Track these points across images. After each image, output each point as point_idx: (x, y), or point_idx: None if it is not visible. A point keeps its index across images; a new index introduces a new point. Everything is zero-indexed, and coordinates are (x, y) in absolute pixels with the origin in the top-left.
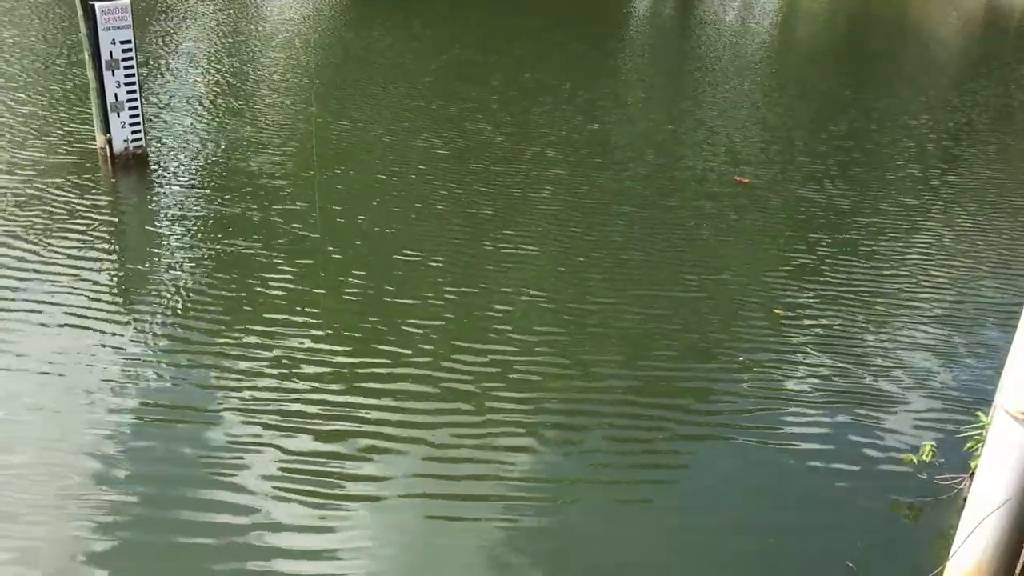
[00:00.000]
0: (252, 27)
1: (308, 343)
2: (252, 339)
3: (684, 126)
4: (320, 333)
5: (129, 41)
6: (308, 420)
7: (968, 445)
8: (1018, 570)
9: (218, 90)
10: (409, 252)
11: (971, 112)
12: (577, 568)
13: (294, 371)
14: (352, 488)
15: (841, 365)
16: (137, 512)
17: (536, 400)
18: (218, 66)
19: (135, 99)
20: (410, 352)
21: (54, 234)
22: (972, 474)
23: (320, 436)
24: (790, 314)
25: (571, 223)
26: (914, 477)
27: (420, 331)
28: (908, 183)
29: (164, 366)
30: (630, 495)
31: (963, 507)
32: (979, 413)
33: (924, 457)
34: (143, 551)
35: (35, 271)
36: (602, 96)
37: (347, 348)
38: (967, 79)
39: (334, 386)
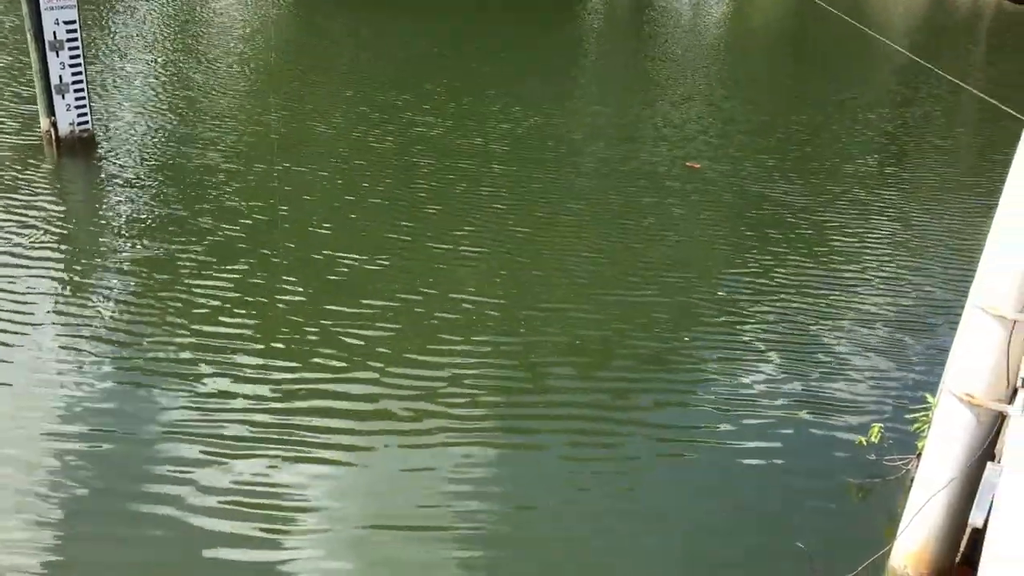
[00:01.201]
0: (205, 8)
1: (249, 347)
2: (189, 341)
3: (635, 117)
4: (260, 338)
5: (74, 21)
6: (248, 429)
7: (915, 426)
8: (962, 547)
9: (167, 73)
10: (351, 254)
11: (924, 105)
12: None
13: (232, 377)
14: (293, 504)
15: (791, 353)
16: (65, 528)
17: (487, 409)
18: (167, 48)
19: (80, 81)
20: (354, 363)
21: None
22: (919, 455)
23: (258, 448)
24: (744, 296)
25: (518, 220)
26: (863, 459)
27: (363, 341)
28: (862, 176)
29: (93, 366)
30: (585, 496)
31: (910, 487)
32: (926, 395)
33: (873, 439)
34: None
35: None
36: (549, 91)
37: (287, 359)
38: (917, 72)
39: (272, 396)
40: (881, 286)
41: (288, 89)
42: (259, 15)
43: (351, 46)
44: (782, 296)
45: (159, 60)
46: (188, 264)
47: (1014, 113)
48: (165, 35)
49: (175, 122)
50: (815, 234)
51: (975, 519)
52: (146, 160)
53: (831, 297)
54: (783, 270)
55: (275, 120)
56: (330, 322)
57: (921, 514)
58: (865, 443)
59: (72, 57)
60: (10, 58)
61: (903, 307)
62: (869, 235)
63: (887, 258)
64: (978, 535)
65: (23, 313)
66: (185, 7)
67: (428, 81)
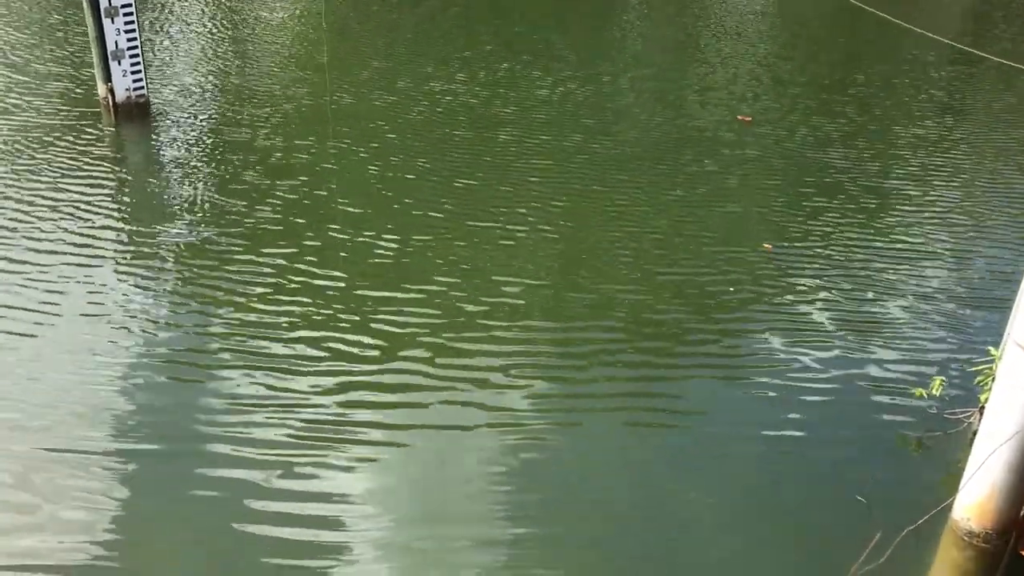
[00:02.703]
0: None
1: (305, 311)
2: (233, 316)
3: (690, 80)
4: (316, 307)
5: None
6: (288, 415)
7: (978, 379)
8: None
9: (221, 38)
10: (391, 235)
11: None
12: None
13: (290, 339)
14: (335, 492)
15: (850, 303)
16: (143, 460)
17: (532, 394)
18: (221, 14)
19: (136, 47)
20: (395, 350)
21: (57, 185)
22: (982, 408)
23: (304, 437)
24: (793, 249)
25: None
26: (924, 412)
27: (402, 328)
28: (921, 136)
29: (163, 318)
30: (646, 439)
31: (972, 441)
32: (990, 348)
33: (934, 392)
34: (153, 502)
35: (40, 219)
36: (588, 54)
37: (343, 327)
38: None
39: (316, 386)
40: (942, 243)
41: (341, 65)
42: None
43: (406, 23)
44: (842, 255)
45: (212, 29)
46: (236, 237)
47: None
48: (219, 4)
49: (227, 90)
50: (872, 194)
51: None
52: (199, 127)
53: (891, 255)
54: (841, 229)
55: (326, 98)
56: (369, 308)
57: (984, 467)
58: (927, 396)
59: (127, 23)
60: (66, 27)
61: (964, 251)
62: (928, 194)
63: (948, 215)
64: None
65: (86, 276)
66: None
67: (465, 49)
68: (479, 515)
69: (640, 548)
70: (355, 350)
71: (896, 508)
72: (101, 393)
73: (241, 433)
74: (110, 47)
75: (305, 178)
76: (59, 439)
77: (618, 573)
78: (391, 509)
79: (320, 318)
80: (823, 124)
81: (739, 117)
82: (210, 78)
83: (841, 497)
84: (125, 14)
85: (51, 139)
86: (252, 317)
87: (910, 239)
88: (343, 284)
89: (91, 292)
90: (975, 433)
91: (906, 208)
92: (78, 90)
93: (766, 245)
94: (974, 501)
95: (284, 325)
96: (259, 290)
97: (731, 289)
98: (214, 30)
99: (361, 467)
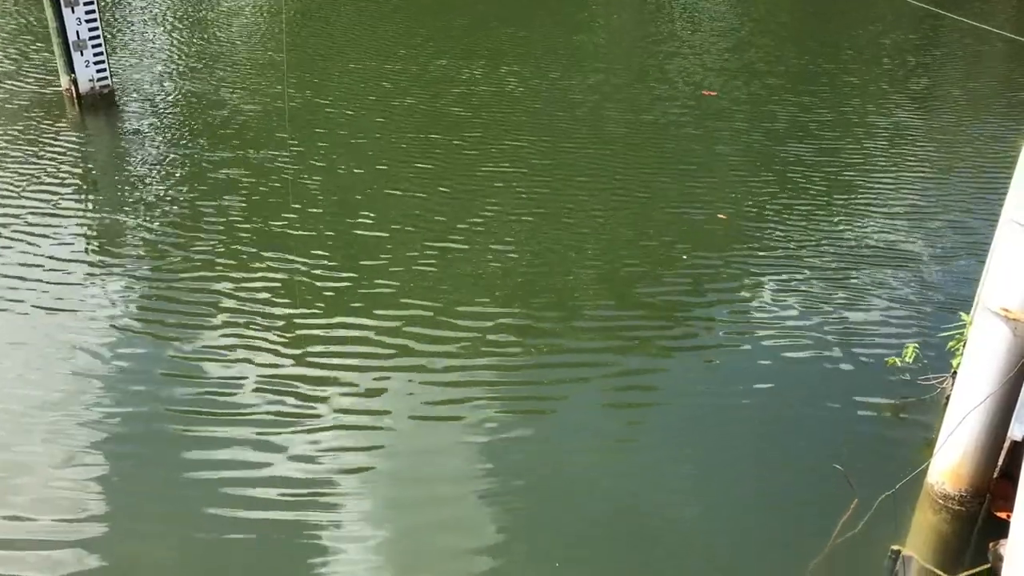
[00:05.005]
0: None
1: (270, 309)
2: (222, 287)
3: (654, 53)
4: (279, 300)
5: None
6: (276, 396)
7: (950, 345)
8: (1000, 461)
9: (183, 27)
10: (371, 213)
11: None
12: (580, 480)
13: (254, 348)
14: (322, 476)
15: (824, 280)
16: (125, 450)
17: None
18: (182, 2)
19: (98, 37)
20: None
21: (22, 177)
22: (955, 373)
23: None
24: (768, 222)
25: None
26: (898, 379)
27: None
28: (884, 86)
29: (129, 316)
30: (619, 418)
31: (946, 406)
32: (961, 313)
33: (908, 359)
34: (143, 481)
35: (4, 214)
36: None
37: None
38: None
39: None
40: (911, 210)
41: (301, 41)
42: None
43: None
44: (811, 224)
45: (176, 14)
46: (221, 209)
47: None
48: None
49: (195, 77)
50: (836, 163)
51: (1015, 432)
52: (166, 116)
53: (860, 222)
54: (809, 199)
55: (292, 77)
56: (349, 284)
57: (957, 431)
58: (900, 363)
59: (88, 13)
60: (26, 19)
61: (933, 218)
62: (897, 162)
63: (916, 183)
64: (1017, 448)
65: (54, 271)
66: None
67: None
68: (461, 502)
69: (617, 526)
70: (319, 345)
71: (873, 474)
72: (57, 393)
73: (218, 427)
74: (71, 37)
75: (269, 163)
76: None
77: (595, 550)
78: (368, 505)
79: (288, 310)
80: (786, 97)
81: (704, 92)
82: (176, 64)
83: (818, 466)
84: (86, 3)
85: (14, 133)
86: (220, 316)
87: (878, 208)
88: (307, 272)
89: (56, 287)
90: (948, 398)
91: (873, 176)
92: (39, 83)
93: (720, 216)
94: (948, 465)
95: (249, 323)
96: (228, 287)
97: (684, 257)
98: (179, 13)
99: (342, 454)
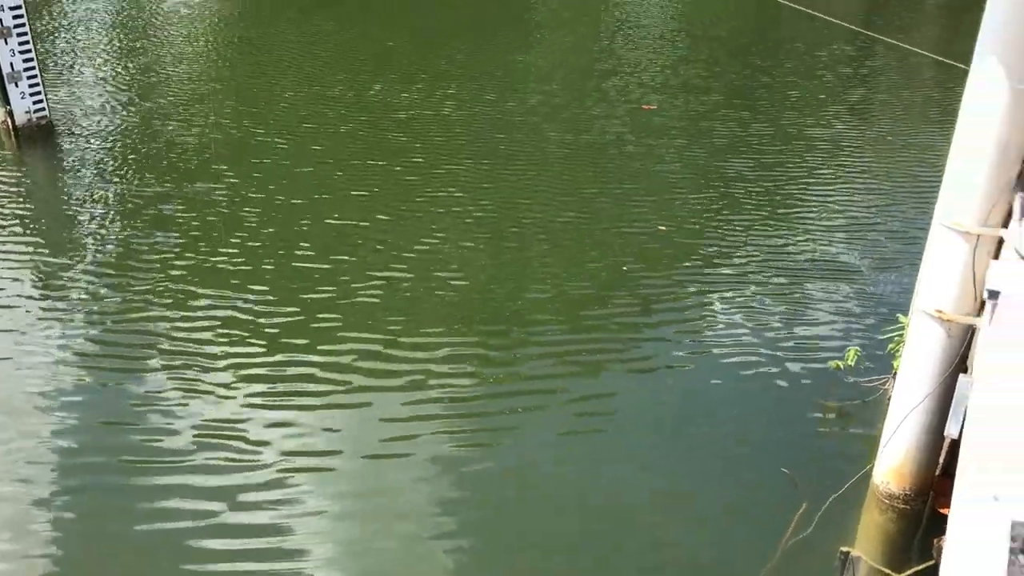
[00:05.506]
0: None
1: (219, 328)
2: (160, 328)
3: (596, 68)
4: (237, 334)
5: (19, 7)
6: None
7: (890, 347)
8: (942, 459)
9: (120, 57)
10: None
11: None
12: (535, 493)
13: (201, 367)
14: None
15: (765, 285)
16: (65, 504)
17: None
18: (117, 32)
19: (33, 68)
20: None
21: None
22: (895, 374)
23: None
24: (711, 238)
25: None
26: (842, 382)
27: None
28: (822, 97)
29: (69, 355)
30: (572, 427)
31: (888, 407)
32: (899, 316)
33: (850, 362)
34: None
35: None
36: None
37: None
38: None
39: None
40: (850, 221)
41: (237, 71)
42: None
43: (305, 36)
44: (754, 239)
45: (112, 45)
46: (146, 259)
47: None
48: (116, 18)
49: (131, 107)
50: (780, 175)
51: (950, 430)
52: (103, 148)
53: (802, 234)
54: (751, 213)
55: (227, 107)
56: (296, 309)
57: (899, 430)
58: (842, 367)
59: (22, 44)
60: None
61: (872, 238)
62: (835, 170)
63: (854, 192)
64: (955, 446)
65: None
66: None
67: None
68: (417, 542)
69: (576, 547)
70: (263, 384)
71: (820, 477)
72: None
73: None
74: (5, 69)
75: (205, 196)
76: None
77: (552, 560)
78: (322, 551)
79: (229, 348)
80: (726, 112)
81: (643, 106)
82: (113, 95)
83: (767, 471)
84: (19, 34)
85: None
86: (159, 359)
87: (818, 219)
88: (248, 309)
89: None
90: (891, 399)
91: (813, 188)
92: None
93: (661, 227)
94: (892, 464)
95: (189, 365)
96: (166, 327)
97: (631, 277)
98: (115, 44)
99: (305, 478)
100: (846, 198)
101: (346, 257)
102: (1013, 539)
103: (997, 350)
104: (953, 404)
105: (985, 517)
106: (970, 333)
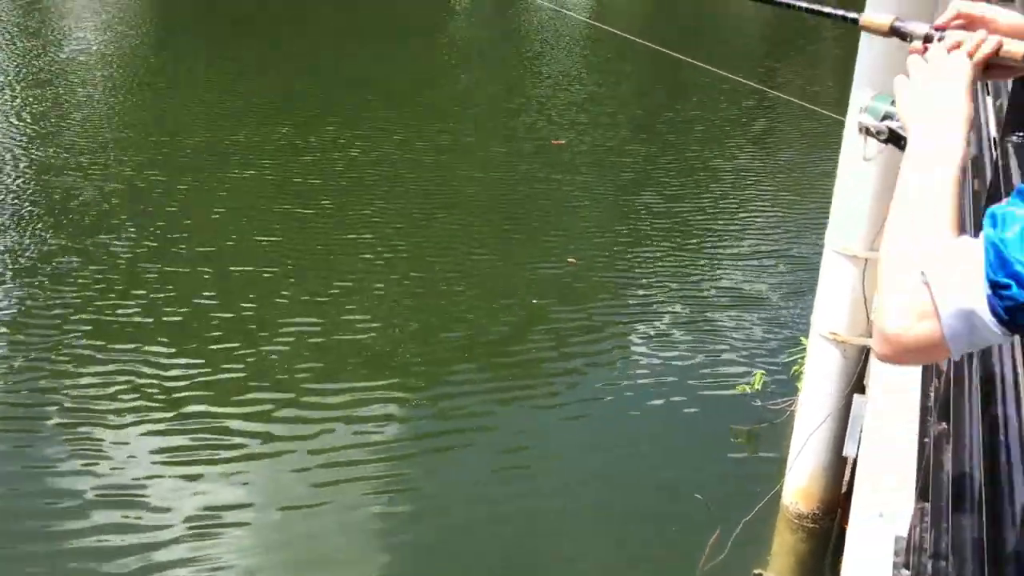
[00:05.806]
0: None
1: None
2: (56, 390)
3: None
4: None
5: None
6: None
7: (794, 369)
8: (846, 479)
9: (12, 108)
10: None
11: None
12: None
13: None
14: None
15: (675, 317)
16: None
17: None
18: (11, 82)
19: None
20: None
21: None
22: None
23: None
24: (621, 272)
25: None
26: (749, 405)
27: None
28: (727, 128)
29: None
30: (490, 466)
31: (794, 428)
32: (802, 338)
33: (756, 385)
34: None
35: None
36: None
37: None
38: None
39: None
40: (755, 250)
41: (139, 116)
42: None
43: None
44: (662, 271)
45: (3, 93)
46: (41, 315)
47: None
48: (9, 66)
49: (28, 154)
50: (686, 207)
51: (848, 450)
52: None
53: (709, 265)
54: (657, 245)
55: (126, 155)
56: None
57: (804, 451)
58: (749, 391)
59: None
60: None
61: (776, 265)
62: (740, 200)
63: (759, 221)
64: (855, 465)
65: None
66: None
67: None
68: (346, 566)
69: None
70: (167, 439)
71: (732, 501)
72: None
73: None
74: None
75: (103, 249)
76: None
77: None
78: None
79: (131, 404)
80: (633, 147)
81: (552, 141)
82: (7, 145)
83: (678, 499)
84: None
85: None
86: (54, 424)
87: (724, 249)
88: (151, 362)
89: None
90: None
91: (719, 219)
92: None
93: (571, 260)
94: (799, 485)
95: (87, 426)
96: (63, 388)
97: (546, 314)
98: (9, 87)
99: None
100: (751, 228)
101: (253, 306)
102: (896, 554)
103: (888, 369)
104: (850, 424)
105: (875, 535)
106: (865, 353)
